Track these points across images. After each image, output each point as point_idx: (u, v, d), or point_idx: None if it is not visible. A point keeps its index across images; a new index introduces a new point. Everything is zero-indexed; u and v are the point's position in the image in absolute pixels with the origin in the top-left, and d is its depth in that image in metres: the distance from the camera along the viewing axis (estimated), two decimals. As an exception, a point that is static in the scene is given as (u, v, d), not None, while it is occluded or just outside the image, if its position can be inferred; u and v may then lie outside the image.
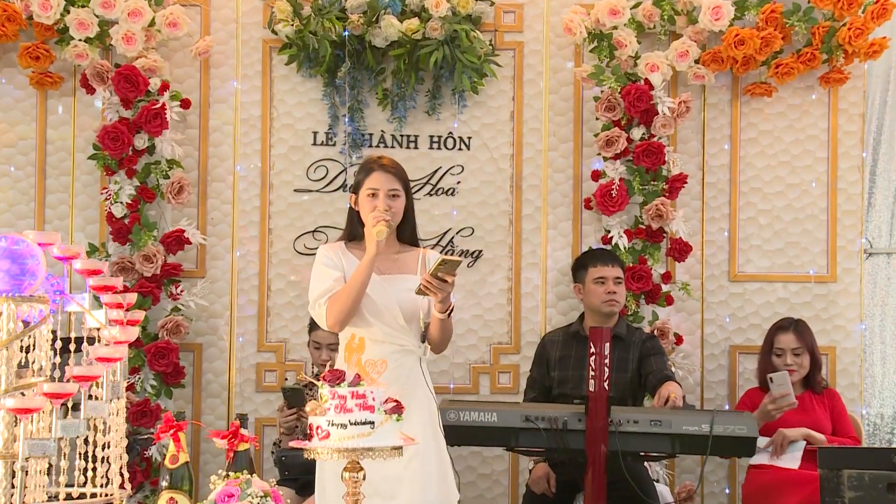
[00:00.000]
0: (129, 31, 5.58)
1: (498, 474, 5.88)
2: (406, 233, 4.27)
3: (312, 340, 5.31)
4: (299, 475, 4.98)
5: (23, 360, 3.17)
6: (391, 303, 4.08)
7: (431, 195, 5.88)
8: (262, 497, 3.17)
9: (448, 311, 4.07)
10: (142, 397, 5.58)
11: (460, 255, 3.98)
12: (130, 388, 5.55)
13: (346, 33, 5.69)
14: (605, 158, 5.77)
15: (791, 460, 5.27)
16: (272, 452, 5.33)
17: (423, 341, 4.17)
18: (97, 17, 5.60)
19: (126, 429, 3.46)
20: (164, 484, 3.34)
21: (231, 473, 3.26)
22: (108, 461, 3.23)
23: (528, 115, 5.94)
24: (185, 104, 5.74)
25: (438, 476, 4.07)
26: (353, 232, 4.25)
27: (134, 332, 3.31)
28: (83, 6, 5.59)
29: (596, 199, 5.76)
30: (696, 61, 5.77)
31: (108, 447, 3.23)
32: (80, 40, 5.60)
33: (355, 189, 4.22)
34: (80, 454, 3.18)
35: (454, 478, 4.16)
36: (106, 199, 5.68)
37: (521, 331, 5.90)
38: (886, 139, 6.17)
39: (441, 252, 5.48)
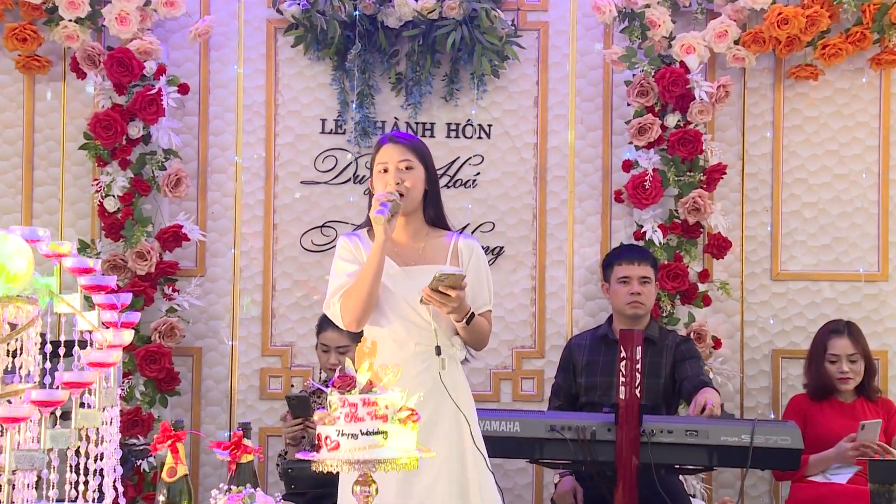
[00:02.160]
0: (123, 10, 5.59)
1: (521, 489, 5.88)
2: (430, 213, 4.13)
3: (321, 343, 5.32)
4: (306, 489, 4.98)
5: (9, 366, 3.17)
6: (413, 297, 3.96)
7: (448, 187, 5.87)
8: (266, 512, 3.18)
9: (466, 319, 3.96)
10: (133, 405, 5.59)
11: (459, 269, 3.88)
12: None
13: (357, 13, 5.69)
14: (638, 147, 5.77)
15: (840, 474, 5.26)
16: (277, 464, 5.34)
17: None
18: (89, -5, 5.63)
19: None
20: (162, 499, 3.35)
21: (233, 487, 3.27)
22: (100, 474, 3.24)
23: (553, 101, 5.93)
24: (184, 89, 5.75)
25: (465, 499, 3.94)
26: None
27: (129, 336, 3.31)
28: (73, -16, 5.62)
29: (627, 192, 5.75)
30: (736, 42, 5.75)
31: (101, 459, 3.24)
32: (70, 21, 5.62)
33: (371, 171, 4.13)
34: (70, 466, 3.19)
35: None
36: (97, 191, 5.70)
37: (545, 334, 5.90)
38: (943, 126, 6.16)
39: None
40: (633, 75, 5.75)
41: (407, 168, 4.03)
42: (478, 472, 4.01)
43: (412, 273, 4.02)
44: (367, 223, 4.11)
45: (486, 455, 4.05)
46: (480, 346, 4.15)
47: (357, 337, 4.12)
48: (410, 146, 4.08)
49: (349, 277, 3.99)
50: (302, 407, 5.07)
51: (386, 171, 4.03)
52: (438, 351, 3.98)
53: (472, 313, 3.97)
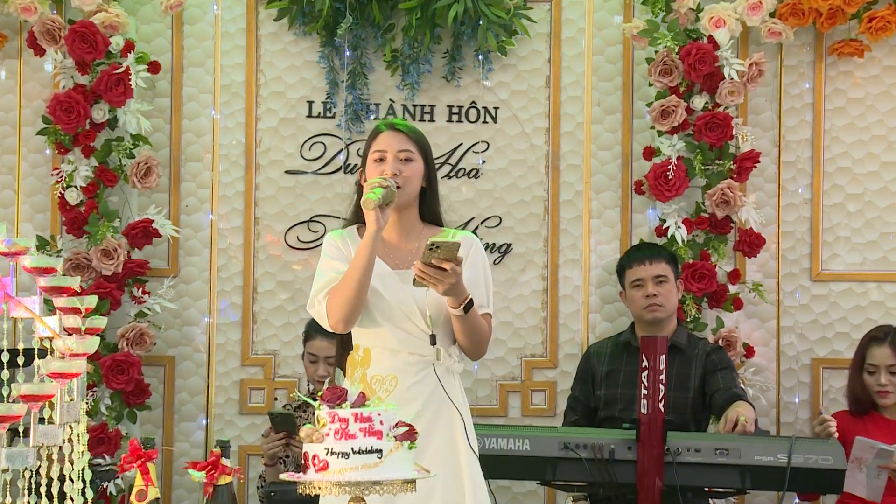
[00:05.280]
0: (87, -21, 5.61)
1: (531, 514, 5.89)
2: (427, 210, 4.15)
3: (308, 352, 5.32)
4: (290, 514, 5.00)
5: (-40, 377, 3.18)
6: (406, 301, 3.97)
7: (450, 177, 5.88)
8: (247, 540, 3.19)
9: (463, 306, 3.92)
10: (98, 420, 5.59)
11: (454, 237, 3.84)
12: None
13: (348, -18, 5.72)
14: (660, 133, 5.77)
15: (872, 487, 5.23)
16: (258, 486, 5.35)
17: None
18: (48, -37, 5.63)
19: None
20: (130, 524, 3.36)
21: (210, 512, 3.28)
22: (62, 497, 3.25)
23: (566, 81, 5.93)
24: (154, 68, 5.75)
25: None
26: (362, 214, 4.04)
27: (94, 343, 3.32)
28: (31, -50, 5.62)
29: (649, 182, 5.75)
30: (772, 14, 5.75)
31: (63, 480, 3.25)
32: (27, -9, 5.63)
33: (364, 160, 4.13)
34: (25, 489, 3.20)
35: None
36: (58, 182, 5.70)
37: (558, 341, 5.91)
38: None
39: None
40: (656, 52, 5.75)
41: (406, 159, 4.05)
42: (480, 489, 4.01)
43: (406, 276, 3.99)
44: (357, 219, 4.13)
45: (481, 473, 4.04)
46: (478, 351, 4.10)
47: (348, 346, 4.13)
48: (411, 136, 4.10)
49: (338, 276, 3.98)
50: (286, 424, 5.08)
51: (382, 160, 4.04)
52: (433, 340, 3.94)
53: (471, 299, 3.93)
